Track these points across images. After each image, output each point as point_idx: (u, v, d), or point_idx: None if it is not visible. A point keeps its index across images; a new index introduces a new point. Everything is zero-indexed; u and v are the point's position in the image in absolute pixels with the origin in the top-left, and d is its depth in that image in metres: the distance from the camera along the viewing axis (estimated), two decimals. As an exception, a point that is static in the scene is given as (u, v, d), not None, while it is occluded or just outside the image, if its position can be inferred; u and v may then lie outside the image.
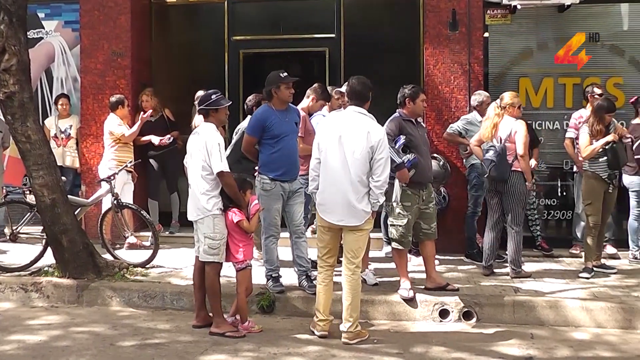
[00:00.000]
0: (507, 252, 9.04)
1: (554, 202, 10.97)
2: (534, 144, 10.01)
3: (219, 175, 7.31)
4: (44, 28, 12.12)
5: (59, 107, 11.66)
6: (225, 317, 7.60)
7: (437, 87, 10.61)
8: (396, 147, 8.01)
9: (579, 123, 9.76)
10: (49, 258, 9.28)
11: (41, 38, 12.12)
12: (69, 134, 11.61)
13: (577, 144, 9.57)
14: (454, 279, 8.80)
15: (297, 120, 8.44)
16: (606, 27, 10.84)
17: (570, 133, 10.16)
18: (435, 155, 9.41)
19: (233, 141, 9.24)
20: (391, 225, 8.28)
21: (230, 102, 7.91)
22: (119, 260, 9.55)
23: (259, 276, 8.30)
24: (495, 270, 9.16)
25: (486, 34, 10.85)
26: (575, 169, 10.28)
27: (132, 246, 10.39)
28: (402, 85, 8.46)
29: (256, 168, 8.43)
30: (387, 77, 10.82)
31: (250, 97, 9.57)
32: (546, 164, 10.67)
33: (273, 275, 8.33)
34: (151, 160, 11.33)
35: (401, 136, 8.09)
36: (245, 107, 9.61)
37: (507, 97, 8.99)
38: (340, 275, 7.37)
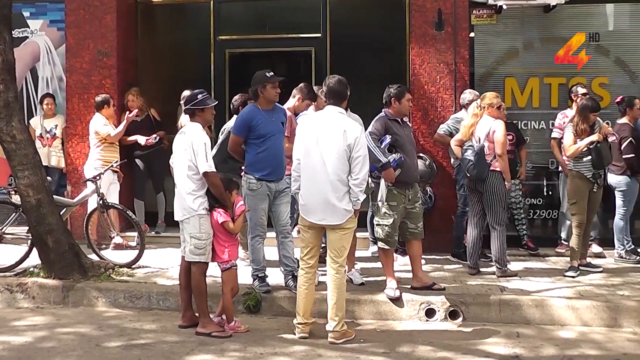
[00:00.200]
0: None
1: (539, 201, 11.01)
2: (520, 144, 10.08)
3: (205, 175, 7.30)
4: (29, 27, 12.06)
5: (45, 106, 11.60)
6: (212, 317, 7.59)
7: (423, 87, 10.63)
8: (382, 146, 8.02)
9: (564, 123, 9.80)
10: (34, 259, 9.24)
11: (26, 37, 12.06)
12: (55, 134, 11.56)
13: (562, 143, 9.59)
14: (440, 278, 8.82)
15: (284, 120, 8.43)
16: (591, 27, 10.87)
17: (555, 133, 10.22)
18: (421, 154, 9.42)
19: (219, 141, 9.23)
20: (377, 224, 8.28)
21: (217, 102, 7.91)
22: (104, 260, 9.52)
23: (245, 276, 8.30)
24: (481, 270, 9.18)
25: (472, 34, 10.87)
26: (560, 168, 10.30)
27: (118, 246, 10.36)
28: (388, 85, 8.46)
29: (242, 168, 8.42)
30: (373, 76, 10.87)
31: (236, 97, 9.56)
32: (532, 163, 10.70)
33: (259, 275, 8.32)
34: (137, 160, 11.30)
35: (387, 136, 8.09)
36: (232, 106, 9.58)
37: (488, 97, 9.03)
38: (326, 274, 7.37)
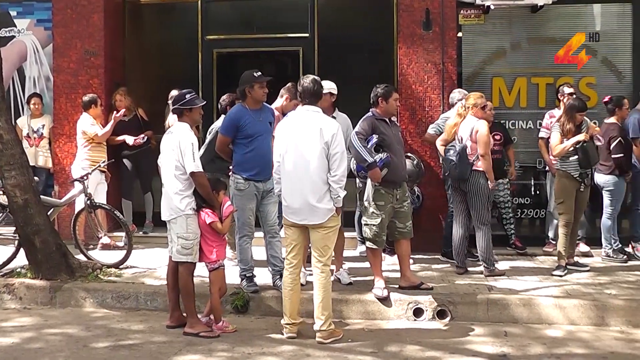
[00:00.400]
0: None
1: (527, 200, 11.05)
2: (507, 144, 10.10)
3: (192, 176, 7.29)
4: (16, 26, 12.00)
5: (32, 106, 11.56)
6: (199, 317, 7.58)
7: (411, 87, 10.64)
8: (368, 146, 8.03)
9: (551, 123, 9.82)
10: (21, 259, 9.22)
11: (13, 37, 12.01)
12: (42, 134, 11.51)
13: (550, 143, 9.62)
14: (428, 278, 8.83)
15: (271, 119, 8.42)
16: (579, 27, 10.91)
17: (543, 133, 10.26)
18: (409, 154, 9.43)
19: (207, 141, 9.21)
20: (365, 224, 8.29)
21: (205, 102, 7.89)
22: (92, 261, 9.50)
23: (233, 276, 8.29)
24: (469, 269, 9.20)
25: (460, 34, 10.89)
26: (548, 167, 10.33)
27: (105, 247, 10.34)
28: (375, 85, 8.46)
29: (230, 168, 8.41)
30: (360, 76, 10.88)
31: (224, 97, 9.56)
32: (519, 163, 10.72)
33: (247, 275, 8.32)
34: (125, 160, 11.29)
35: (374, 135, 8.09)
36: (219, 106, 9.59)
37: (472, 97, 9.05)
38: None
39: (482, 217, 8.87)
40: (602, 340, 7.33)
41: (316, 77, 7.53)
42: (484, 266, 8.97)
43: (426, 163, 10.21)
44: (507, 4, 10.41)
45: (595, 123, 9.68)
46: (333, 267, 8.58)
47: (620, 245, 9.91)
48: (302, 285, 7.98)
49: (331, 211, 7.16)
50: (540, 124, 10.47)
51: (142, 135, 11.05)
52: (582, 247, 10.11)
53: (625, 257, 9.84)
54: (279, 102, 9.30)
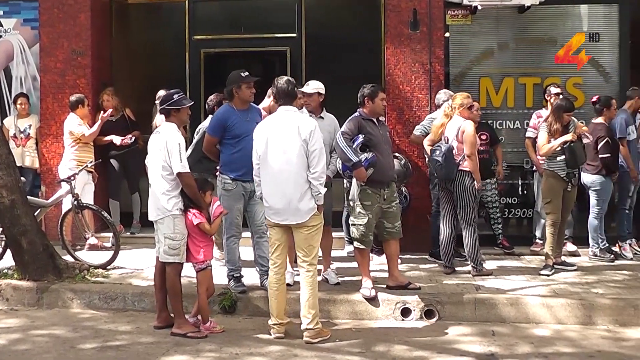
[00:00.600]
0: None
1: (514, 200, 11.09)
2: (494, 144, 10.12)
3: (179, 176, 7.28)
4: (2, 26, 11.95)
5: (18, 106, 11.50)
6: (187, 317, 7.57)
7: (398, 87, 10.65)
8: (354, 146, 8.03)
9: (539, 123, 9.85)
10: (8, 260, 9.19)
11: (0, 36, 11.96)
12: (28, 134, 11.46)
13: (537, 142, 9.65)
14: (416, 278, 8.84)
15: (259, 119, 8.37)
16: (566, 28, 10.95)
17: (530, 132, 10.28)
18: (396, 154, 9.43)
19: (194, 141, 9.20)
20: (352, 224, 8.29)
21: (192, 102, 7.89)
22: (79, 261, 9.47)
23: (220, 276, 8.29)
24: (456, 269, 9.21)
25: (447, 34, 10.91)
26: (535, 167, 10.35)
27: (92, 247, 10.31)
28: (363, 85, 8.46)
29: (217, 168, 8.40)
30: (348, 76, 10.86)
31: (211, 97, 9.54)
32: (507, 163, 10.74)
33: (235, 276, 8.31)
34: (112, 160, 11.25)
35: (360, 135, 8.10)
36: (207, 106, 9.56)
37: (458, 97, 9.07)
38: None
39: (468, 217, 8.89)
40: (589, 339, 7.36)
41: (290, 78, 7.59)
42: (472, 266, 8.99)
43: (414, 163, 10.21)
44: (495, 5, 10.43)
45: (582, 123, 9.72)
46: (321, 267, 8.59)
47: (607, 245, 9.96)
48: (290, 285, 7.99)
49: (313, 209, 7.16)
50: (528, 124, 10.48)
51: (130, 136, 11.02)
52: (570, 247, 10.15)
53: (612, 256, 9.87)
54: (267, 102, 9.27)
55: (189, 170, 7.36)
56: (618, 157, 9.89)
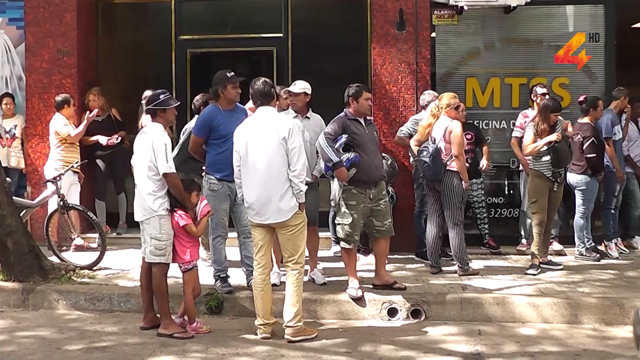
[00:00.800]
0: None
1: (501, 200, 11.12)
2: (479, 144, 10.14)
3: (165, 177, 7.26)
4: (-13, 26, 11.92)
5: (4, 106, 11.43)
6: (174, 318, 7.55)
7: (385, 87, 10.66)
8: (336, 146, 8.03)
9: (525, 122, 9.88)
10: (-7, 261, 9.14)
11: (-15, 36, 11.93)
12: (14, 134, 11.40)
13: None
14: (402, 278, 8.85)
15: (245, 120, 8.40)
16: (552, 28, 11.00)
17: (517, 132, 10.30)
18: (383, 154, 9.44)
19: (180, 141, 9.17)
20: (337, 224, 8.29)
21: (179, 103, 7.87)
22: (65, 262, 9.43)
23: (207, 276, 8.27)
24: (443, 269, 9.23)
25: (433, 34, 10.93)
26: (521, 167, 10.38)
27: (78, 248, 10.27)
28: (349, 85, 8.46)
29: (203, 168, 8.39)
30: (334, 76, 10.90)
31: (197, 97, 9.54)
32: (493, 162, 10.76)
33: (221, 276, 8.29)
34: (98, 161, 11.21)
35: (343, 135, 8.09)
36: (193, 106, 9.56)
37: (445, 97, 9.07)
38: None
39: (455, 217, 8.90)
40: (575, 337, 7.38)
41: (267, 79, 7.57)
42: (458, 266, 9.01)
43: (400, 163, 10.21)
44: (481, 5, 10.45)
45: (568, 122, 9.75)
46: (307, 267, 8.59)
47: (593, 244, 10.00)
48: (276, 285, 7.99)
49: (294, 208, 7.16)
50: (514, 124, 10.51)
51: (116, 136, 10.99)
52: (556, 246, 10.18)
53: (598, 255, 9.91)
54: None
55: (175, 171, 7.35)
56: (604, 157, 9.93)
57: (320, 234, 9.14)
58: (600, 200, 10.35)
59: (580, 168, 9.81)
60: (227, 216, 8.26)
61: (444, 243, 9.37)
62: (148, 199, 7.32)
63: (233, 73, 8.23)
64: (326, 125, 8.48)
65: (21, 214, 9.29)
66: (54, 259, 9.50)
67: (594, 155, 9.72)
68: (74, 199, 10.27)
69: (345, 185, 8.15)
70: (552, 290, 8.36)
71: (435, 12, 10.83)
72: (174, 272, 7.76)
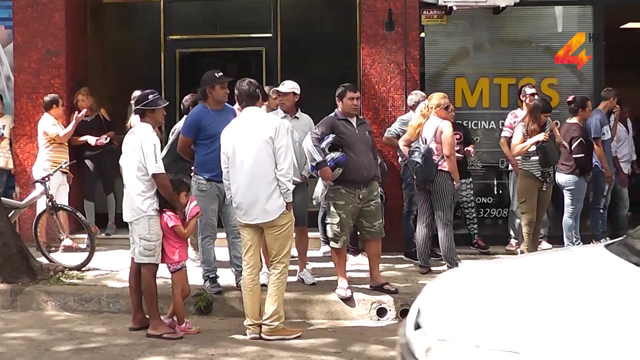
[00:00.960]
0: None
1: (490, 200, 11.14)
2: (468, 144, 10.15)
3: (154, 177, 7.25)
4: (-25, 26, 11.87)
5: (-8, 106, 11.43)
6: (163, 318, 7.54)
7: (374, 87, 10.67)
8: (322, 146, 8.03)
9: (514, 122, 9.91)
10: (-19, 262, 9.10)
11: (-28, 36, 11.87)
12: (2, 134, 11.31)
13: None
14: (391, 278, 8.86)
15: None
16: (541, 29, 11.03)
17: (506, 132, 10.31)
18: (372, 154, 9.45)
19: (169, 141, 9.16)
20: (327, 223, 8.30)
21: (168, 103, 7.86)
22: (54, 263, 9.40)
23: (196, 277, 8.26)
24: (432, 269, 9.23)
25: (422, 34, 10.94)
26: (510, 167, 10.41)
27: (67, 249, 10.24)
28: (338, 85, 8.46)
29: (192, 168, 8.38)
30: (323, 76, 10.91)
31: (186, 97, 9.51)
32: (482, 162, 10.79)
33: (210, 276, 8.29)
34: (87, 161, 11.16)
35: (330, 135, 8.10)
36: (182, 107, 9.54)
37: (435, 98, 9.07)
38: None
39: (445, 217, 8.91)
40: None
41: (252, 80, 7.54)
42: (447, 266, 9.01)
43: (389, 163, 10.21)
44: (470, 5, 10.45)
45: (557, 124, 9.79)
46: (296, 267, 8.60)
47: (581, 244, 10.00)
48: (265, 285, 7.97)
49: (282, 207, 7.16)
50: (503, 124, 10.53)
51: (105, 136, 10.95)
52: (544, 246, 10.19)
53: (586, 255, 9.93)
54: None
55: (164, 171, 7.34)
56: (592, 157, 9.96)
57: (310, 234, 9.14)
58: (589, 200, 10.38)
59: (569, 168, 9.83)
60: (215, 216, 8.26)
61: (433, 243, 9.38)
62: (137, 200, 7.30)
63: (221, 73, 8.22)
64: (315, 125, 8.48)
65: (9, 215, 9.25)
66: (43, 259, 9.46)
67: (582, 155, 9.75)
68: (62, 199, 10.22)
69: (332, 185, 8.15)
70: (540, 290, 8.37)
71: (425, 12, 10.84)
72: (163, 273, 7.75)
